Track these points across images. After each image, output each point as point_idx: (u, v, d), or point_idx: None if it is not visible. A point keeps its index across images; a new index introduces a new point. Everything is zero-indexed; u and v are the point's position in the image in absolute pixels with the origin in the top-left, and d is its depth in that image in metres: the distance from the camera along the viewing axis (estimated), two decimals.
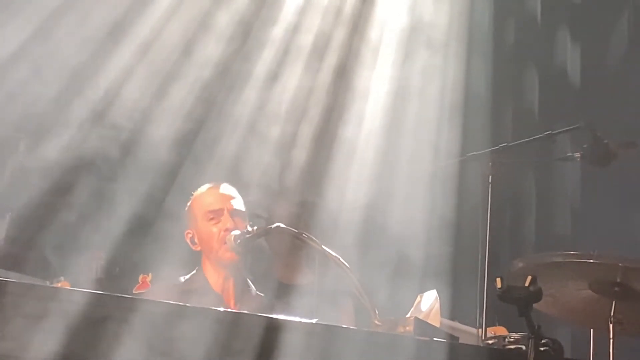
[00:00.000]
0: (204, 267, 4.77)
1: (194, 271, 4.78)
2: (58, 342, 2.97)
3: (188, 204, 4.88)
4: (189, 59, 6.32)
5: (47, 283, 4.64)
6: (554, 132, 4.98)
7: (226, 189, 4.84)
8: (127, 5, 6.10)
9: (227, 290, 4.72)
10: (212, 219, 4.71)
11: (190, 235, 4.81)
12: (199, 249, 4.79)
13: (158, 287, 4.93)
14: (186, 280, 4.75)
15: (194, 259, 4.89)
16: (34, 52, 5.89)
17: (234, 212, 4.72)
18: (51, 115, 5.98)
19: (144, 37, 6.14)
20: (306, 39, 6.51)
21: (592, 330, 4.81)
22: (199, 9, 6.31)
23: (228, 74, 6.38)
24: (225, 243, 4.65)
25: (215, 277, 4.73)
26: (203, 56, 6.32)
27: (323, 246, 4.22)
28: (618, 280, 4.39)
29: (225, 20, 6.32)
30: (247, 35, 6.41)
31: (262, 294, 4.80)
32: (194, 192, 4.94)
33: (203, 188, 4.89)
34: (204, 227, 4.73)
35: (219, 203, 4.74)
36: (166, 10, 6.20)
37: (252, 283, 4.90)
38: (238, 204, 4.77)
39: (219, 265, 4.72)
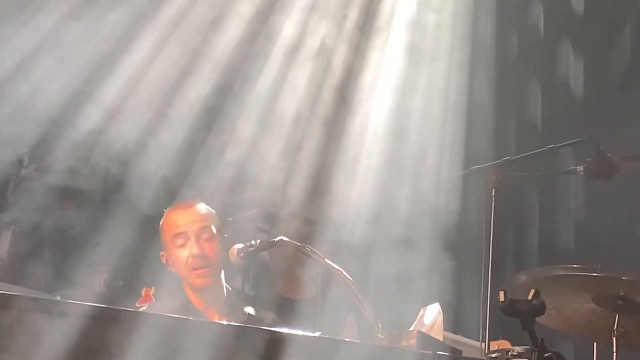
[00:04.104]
0: (185, 286, 4.67)
1: (178, 291, 4.71)
2: (61, 356, 2.97)
3: (160, 222, 4.75)
4: (189, 72, 6.33)
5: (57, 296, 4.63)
6: (557, 145, 4.98)
7: (192, 207, 4.68)
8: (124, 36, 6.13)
9: (210, 310, 4.64)
10: (179, 245, 4.59)
11: (164, 258, 4.69)
12: (174, 270, 4.69)
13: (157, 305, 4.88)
14: (170, 301, 4.69)
15: None
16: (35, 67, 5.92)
17: (199, 235, 4.58)
18: (55, 130, 6.00)
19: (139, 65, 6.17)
20: (306, 59, 6.52)
21: (595, 343, 4.80)
22: (190, 41, 6.32)
23: (231, 88, 6.40)
24: (194, 269, 4.58)
25: (194, 297, 4.65)
26: (205, 69, 6.33)
27: (326, 259, 4.21)
28: (621, 293, 4.39)
29: (219, 45, 6.34)
30: (246, 54, 6.43)
31: (251, 311, 4.72)
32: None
33: (171, 207, 4.77)
34: (173, 252, 4.61)
35: (184, 226, 4.59)
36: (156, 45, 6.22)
37: (255, 297, 4.87)
38: (204, 223, 4.61)
39: (194, 290, 4.67)
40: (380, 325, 3.83)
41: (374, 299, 4.29)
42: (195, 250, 4.56)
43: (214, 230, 4.64)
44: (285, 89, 6.46)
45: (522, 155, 5.09)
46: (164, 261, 4.71)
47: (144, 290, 5.47)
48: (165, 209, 4.77)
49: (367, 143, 6.48)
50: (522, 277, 4.51)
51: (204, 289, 4.62)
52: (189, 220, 4.62)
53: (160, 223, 4.73)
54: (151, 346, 3.06)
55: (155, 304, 4.80)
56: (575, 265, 4.49)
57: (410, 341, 3.57)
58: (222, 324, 3.40)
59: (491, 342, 4.80)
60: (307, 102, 6.51)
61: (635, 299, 4.39)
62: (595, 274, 4.39)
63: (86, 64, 6.05)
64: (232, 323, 4.31)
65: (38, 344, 2.97)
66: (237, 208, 6.00)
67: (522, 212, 6.95)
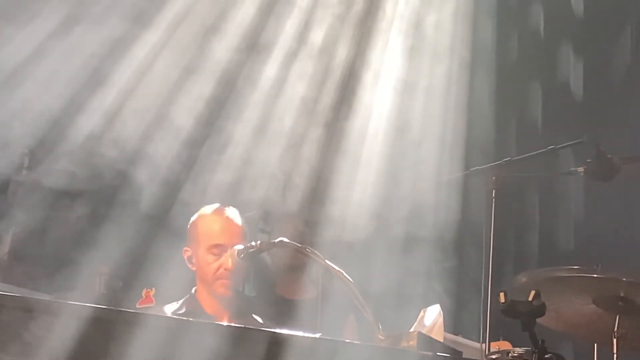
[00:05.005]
0: (199, 289, 4.73)
1: (188, 295, 4.75)
2: (61, 356, 2.97)
3: (192, 219, 4.83)
4: (190, 72, 6.34)
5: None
6: (557, 146, 4.98)
7: (234, 220, 4.75)
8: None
9: (220, 314, 4.68)
10: (214, 253, 4.66)
11: (188, 254, 4.76)
12: (194, 269, 4.76)
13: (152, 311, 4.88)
14: (179, 305, 4.71)
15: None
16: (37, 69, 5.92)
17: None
18: (55, 132, 6.00)
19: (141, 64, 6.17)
20: (306, 59, 6.52)
21: (595, 345, 4.81)
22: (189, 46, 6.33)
23: (232, 89, 6.40)
24: (220, 279, 4.62)
25: (209, 301, 4.70)
26: (205, 70, 6.34)
27: (326, 260, 4.21)
28: (622, 295, 4.40)
29: (220, 45, 6.35)
30: (246, 55, 6.43)
31: (261, 319, 4.75)
32: (198, 206, 4.90)
33: (209, 209, 4.82)
34: (204, 256, 4.69)
35: (225, 238, 4.67)
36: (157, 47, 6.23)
37: (254, 299, 4.87)
38: (243, 237, 4.68)
39: (213, 296, 4.70)
40: (380, 327, 3.83)
41: (374, 300, 4.29)
42: (230, 265, 4.59)
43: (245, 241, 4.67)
44: (286, 89, 6.46)
45: (523, 156, 5.09)
46: (185, 257, 4.76)
47: (144, 291, 5.47)
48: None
49: (367, 144, 6.48)
50: (523, 278, 4.51)
51: (223, 299, 4.66)
52: (232, 235, 4.68)
53: (193, 221, 4.79)
54: (151, 347, 3.07)
55: (163, 307, 4.80)
56: (575, 267, 4.49)
57: (411, 342, 3.57)
58: (222, 324, 3.40)
59: (491, 343, 4.80)
60: (307, 102, 6.51)
61: (635, 300, 4.39)
62: (595, 275, 4.39)
63: (87, 66, 6.06)
64: (233, 324, 4.33)
65: (38, 345, 2.97)
66: (238, 209, 6.00)
67: (523, 213, 6.94)
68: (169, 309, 4.70)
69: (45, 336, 2.97)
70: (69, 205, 6.20)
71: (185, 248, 4.77)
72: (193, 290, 4.75)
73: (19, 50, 5.87)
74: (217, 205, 4.86)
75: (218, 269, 4.64)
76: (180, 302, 4.74)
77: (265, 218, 5.85)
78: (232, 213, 4.78)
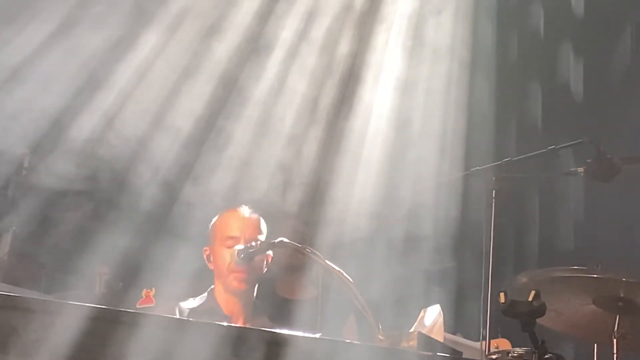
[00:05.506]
0: (216, 287, 4.77)
1: (206, 293, 4.78)
2: (61, 357, 2.97)
3: (213, 221, 4.88)
4: (190, 73, 6.33)
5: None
6: (557, 147, 4.97)
7: (249, 215, 4.82)
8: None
9: (236, 313, 4.71)
10: (228, 245, 4.71)
11: (207, 253, 4.82)
12: (212, 267, 4.80)
13: (165, 307, 4.91)
14: (197, 302, 4.75)
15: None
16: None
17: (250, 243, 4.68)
18: (55, 132, 6.00)
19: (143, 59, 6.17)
20: (306, 58, 6.52)
21: (595, 345, 4.80)
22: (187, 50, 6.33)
23: (232, 89, 6.40)
24: (234, 271, 4.66)
25: (225, 298, 4.73)
26: (205, 71, 6.34)
27: (326, 261, 4.21)
28: (622, 295, 4.39)
29: (220, 45, 6.35)
30: (246, 55, 6.43)
31: (274, 322, 4.78)
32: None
33: (228, 209, 4.90)
34: (219, 250, 4.74)
35: (238, 230, 4.74)
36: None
37: (255, 299, 4.89)
38: (257, 234, 4.75)
39: (228, 291, 4.73)
40: (380, 327, 3.83)
41: (374, 300, 4.29)
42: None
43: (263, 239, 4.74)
44: (286, 89, 6.46)
45: (523, 156, 5.08)
46: (205, 257, 4.82)
47: (144, 291, 5.47)
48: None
49: (367, 144, 6.48)
50: (523, 279, 4.50)
51: (238, 293, 4.67)
52: (245, 226, 4.75)
53: (213, 222, 4.84)
54: (151, 347, 3.06)
55: (180, 303, 4.83)
56: (575, 267, 4.49)
57: (411, 342, 3.57)
58: (222, 325, 3.40)
59: (491, 341, 4.80)
60: (307, 102, 6.51)
61: (635, 300, 4.39)
62: (595, 276, 4.39)
63: (87, 66, 6.06)
64: (235, 324, 4.33)
65: (38, 345, 2.97)
66: None
67: (523, 213, 6.94)
68: (186, 305, 4.72)
69: (45, 336, 2.96)
70: (68, 206, 6.20)
71: (205, 248, 4.83)
72: (210, 288, 4.78)
73: (19, 51, 5.87)
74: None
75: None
76: (197, 298, 4.76)
77: (265, 218, 5.86)
78: (248, 210, 4.85)
